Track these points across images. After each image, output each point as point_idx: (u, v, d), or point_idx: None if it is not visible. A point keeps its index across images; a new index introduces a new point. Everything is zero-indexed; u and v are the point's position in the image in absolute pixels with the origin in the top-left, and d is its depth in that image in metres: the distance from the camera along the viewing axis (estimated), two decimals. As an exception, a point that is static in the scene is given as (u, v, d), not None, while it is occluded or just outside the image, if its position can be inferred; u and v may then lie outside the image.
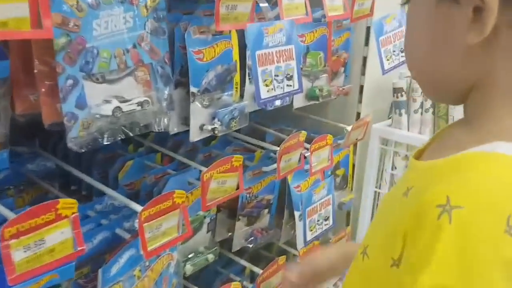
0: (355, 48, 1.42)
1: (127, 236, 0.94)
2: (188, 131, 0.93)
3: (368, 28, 1.41)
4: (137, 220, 0.82)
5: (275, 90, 0.84)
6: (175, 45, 0.89)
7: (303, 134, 1.16)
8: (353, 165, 1.55)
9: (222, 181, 0.97)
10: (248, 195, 1.19)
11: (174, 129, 0.92)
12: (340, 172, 1.50)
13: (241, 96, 1.03)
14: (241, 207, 1.19)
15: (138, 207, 0.85)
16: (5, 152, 0.79)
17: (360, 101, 1.49)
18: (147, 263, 0.93)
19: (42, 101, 0.75)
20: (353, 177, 1.56)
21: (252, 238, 1.25)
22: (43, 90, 0.74)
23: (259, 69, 0.81)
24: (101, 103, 0.77)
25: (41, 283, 0.73)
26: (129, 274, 0.89)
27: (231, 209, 1.24)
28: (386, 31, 1.20)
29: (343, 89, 1.37)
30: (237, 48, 0.98)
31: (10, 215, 0.71)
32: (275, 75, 0.84)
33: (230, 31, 0.97)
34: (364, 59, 1.45)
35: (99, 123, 0.78)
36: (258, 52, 0.81)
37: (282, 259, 1.24)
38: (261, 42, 0.81)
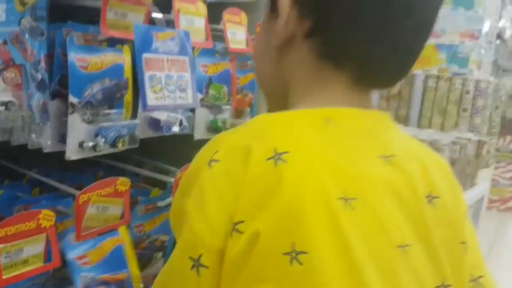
0: (261, 92, 1.43)
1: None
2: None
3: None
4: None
5: (164, 99, 0.78)
6: (56, 51, 0.82)
7: (202, 166, 1.09)
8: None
9: (103, 207, 0.86)
10: (138, 234, 1.07)
11: (48, 143, 0.81)
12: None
13: (134, 117, 0.95)
14: (132, 247, 1.07)
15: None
16: None
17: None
18: None
19: None
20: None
21: (142, 285, 1.11)
22: None
23: (146, 74, 0.75)
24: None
25: None
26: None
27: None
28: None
29: (249, 129, 1.34)
30: (130, 66, 0.93)
31: None
32: (165, 84, 0.79)
33: (122, 47, 0.92)
34: (270, 103, 1.45)
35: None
36: (145, 55, 0.75)
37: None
38: (149, 45, 0.76)
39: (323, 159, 0.54)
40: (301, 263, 0.48)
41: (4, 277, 0.70)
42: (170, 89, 0.80)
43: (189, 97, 0.84)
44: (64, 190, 0.96)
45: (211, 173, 0.53)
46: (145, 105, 0.76)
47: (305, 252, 0.49)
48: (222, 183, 0.52)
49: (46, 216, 0.75)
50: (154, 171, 1.30)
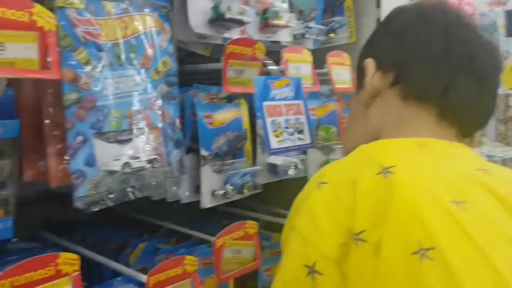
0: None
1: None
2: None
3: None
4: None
5: (285, 142, 0.83)
6: (185, 113, 0.91)
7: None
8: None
9: (237, 250, 0.91)
10: (267, 278, 1.10)
11: (185, 194, 0.90)
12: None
13: (254, 164, 1.01)
14: (261, 291, 1.10)
15: (145, 278, 0.78)
16: (10, 220, 0.75)
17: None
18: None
19: (50, 162, 0.74)
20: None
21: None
22: (51, 150, 0.74)
23: (268, 120, 0.81)
24: (110, 160, 0.76)
25: None
26: None
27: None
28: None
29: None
30: (247, 118, 1.00)
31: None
32: (285, 127, 0.84)
33: (240, 101, 1.00)
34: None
35: (109, 181, 0.76)
36: (265, 103, 0.82)
37: None
38: (267, 94, 0.83)
39: (426, 171, 0.60)
40: (431, 259, 0.52)
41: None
42: (290, 132, 0.84)
43: (307, 137, 0.88)
44: (198, 237, 1.03)
45: (321, 192, 0.61)
46: (269, 149, 0.81)
47: (432, 248, 0.52)
48: (331, 200, 0.59)
49: (190, 262, 0.82)
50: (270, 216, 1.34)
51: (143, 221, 1.26)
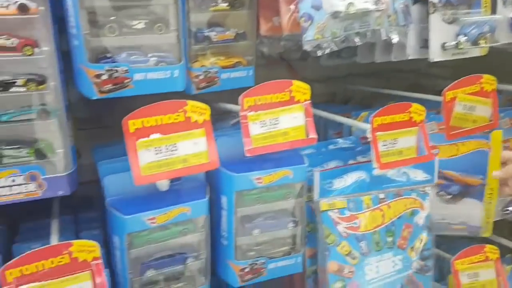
0: None
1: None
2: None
3: None
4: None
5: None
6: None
7: None
8: None
9: (470, 106, 0.83)
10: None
11: (411, 47, 0.85)
12: None
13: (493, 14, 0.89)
14: None
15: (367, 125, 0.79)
16: (251, 69, 0.83)
17: None
18: (381, 196, 0.85)
19: (281, 10, 0.79)
20: None
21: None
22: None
23: None
24: (335, 1, 0.76)
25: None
26: (354, 196, 0.83)
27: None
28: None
29: None
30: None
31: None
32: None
33: None
34: None
35: (333, 25, 0.77)
36: None
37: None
38: None
39: None
40: None
41: (382, 161, 0.77)
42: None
43: None
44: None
45: None
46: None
47: None
48: None
49: (417, 110, 0.79)
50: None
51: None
